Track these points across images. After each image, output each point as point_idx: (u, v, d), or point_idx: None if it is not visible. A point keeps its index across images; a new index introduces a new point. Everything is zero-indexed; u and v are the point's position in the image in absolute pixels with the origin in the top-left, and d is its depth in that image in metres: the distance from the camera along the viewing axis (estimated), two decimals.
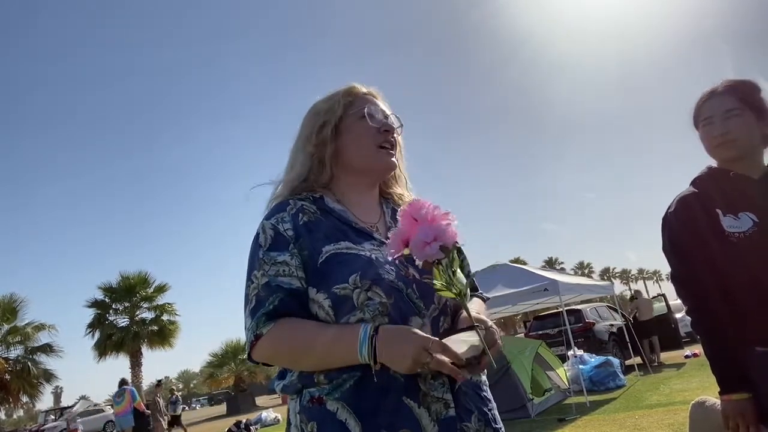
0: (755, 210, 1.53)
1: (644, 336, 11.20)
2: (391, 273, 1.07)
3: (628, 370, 10.02)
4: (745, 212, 1.53)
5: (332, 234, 1.11)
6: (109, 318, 22.73)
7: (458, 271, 0.99)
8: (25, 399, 19.31)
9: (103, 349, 21.91)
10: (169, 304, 23.55)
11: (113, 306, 22.88)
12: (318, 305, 1.06)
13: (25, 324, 19.32)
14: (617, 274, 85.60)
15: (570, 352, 9.20)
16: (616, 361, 9.11)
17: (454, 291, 0.97)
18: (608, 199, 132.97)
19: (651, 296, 13.44)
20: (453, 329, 1.13)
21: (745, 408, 1.48)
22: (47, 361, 19.45)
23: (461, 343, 0.98)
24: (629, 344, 10.67)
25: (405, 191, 1.32)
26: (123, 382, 12.33)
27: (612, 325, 11.38)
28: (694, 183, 1.69)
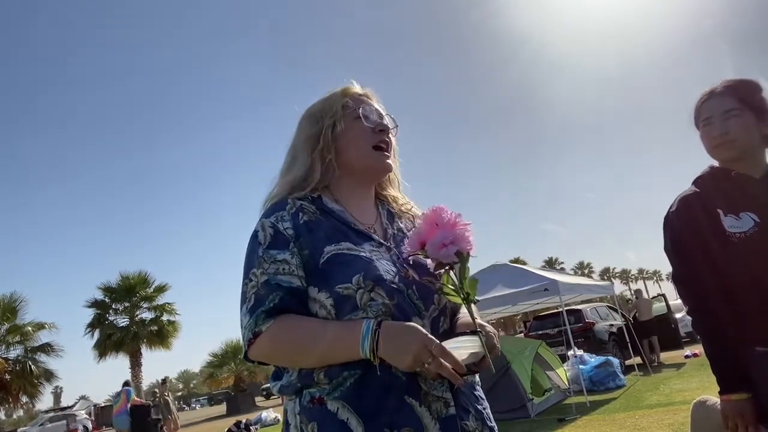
0: (756, 210, 1.52)
1: (644, 336, 11.21)
2: (392, 274, 1.08)
3: (628, 370, 10.02)
4: (746, 212, 1.53)
5: (333, 234, 1.11)
6: (109, 318, 22.76)
7: (468, 277, 1.01)
8: (25, 399, 19.30)
9: (103, 349, 21.93)
10: (169, 304, 23.60)
11: (113, 306, 22.90)
12: (319, 305, 1.06)
13: (26, 323, 19.31)
14: (617, 274, 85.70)
15: (570, 352, 9.20)
16: (616, 361, 9.12)
17: (462, 296, 0.99)
18: (608, 199, 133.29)
19: (651, 296, 13.45)
20: (452, 330, 1.14)
21: (745, 408, 1.48)
22: (47, 361, 19.46)
23: (462, 348, 0.98)
24: (629, 344, 10.67)
25: (398, 193, 1.33)
26: (125, 384, 12.36)
27: (612, 325, 11.39)
28: (695, 182, 1.69)
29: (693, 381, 7.86)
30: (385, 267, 1.08)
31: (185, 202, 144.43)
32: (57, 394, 65.96)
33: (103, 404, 32.58)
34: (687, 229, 1.61)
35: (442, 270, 1.02)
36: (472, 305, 1.27)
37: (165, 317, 23.20)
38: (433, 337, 0.97)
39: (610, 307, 12.39)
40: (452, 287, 1.00)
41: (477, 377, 1.16)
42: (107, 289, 22.65)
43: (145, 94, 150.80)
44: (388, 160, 1.23)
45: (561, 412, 7.01)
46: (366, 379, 1.01)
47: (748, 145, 1.59)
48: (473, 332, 1.01)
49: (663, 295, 13.18)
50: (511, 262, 11.38)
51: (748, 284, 1.50)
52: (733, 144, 1.59)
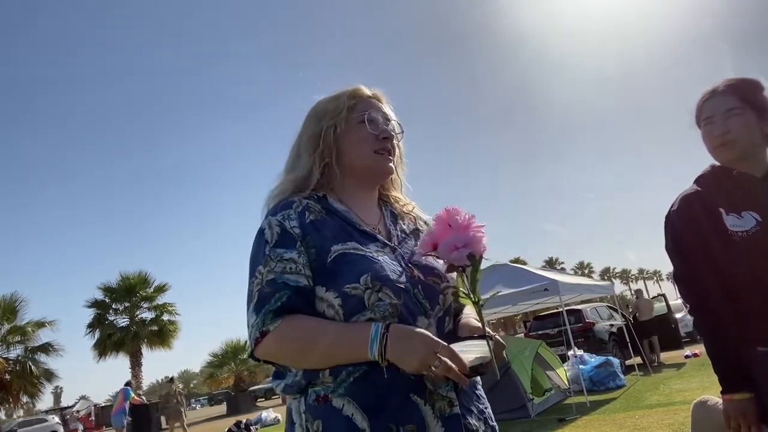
0: (758, 209, 1.52)
1: (644, 336, 11.21)
2: (398, 274, 1.08)
3: (628, 370, 10.02)
4: (748, 211, 1.53)
5: (339, 234, 1.11)
6: (109, 318, 22.75)
7: (479, 280, 1.01)
8: (25, 399, 19.29)
9: (103, 349, 21.93)
10: (169, 304, 23.59)
11: (113, 306, 22.89)
12: (327, 304, 1.06)
13: (26, 322, 19.30)
14: (617, 274, 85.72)
15: (570, 352, 9.20)
16: (616, 361, 9.11)
17: (473, 299, 0.99)
18: (608, 199, 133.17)
19: (651, 296, 13.45)
20: (455, 331, 1.14)
21: (747, 408, 1.48)
22: (48, 361, 19.43)
23: (470, 351, 0.99)
24: (629, 344, 10.66)
25: (401, 195, 1.34)
26: (127, 384, 12.37)
27: (612, 325, 11.39)
28: (697, 182, 1.69)
29: (693, 381, 7.86)
30: (391, 267, 1.09)
31: (185, 202, 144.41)
32: (57, 394, 65.99)
33: (103, 404, 32.59)
34: (688, 229, 1.61)
35: (455, 272, 1.02)
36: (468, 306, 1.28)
37: (165, 317, 23.19)
38: (440, 341, 0.98)
39: (610, 307, 12.39)
40: (464, 291, 1.00)
41: (478, 377, 1.17)
42: (107, 289, 22.64)
43: (145, 94, 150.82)
44: (390, 163, 1.23)
45: (561, 412, 7.00)
46: (371, 375, 1.02)
47: (749, 144, 1.59)
48: (482, 337, 1.01)
49: (663, 295, 13.19)
50: (511, 262, 11.38)
51: (750, 283, 1.50)
52: (734, 143, 1.59)
